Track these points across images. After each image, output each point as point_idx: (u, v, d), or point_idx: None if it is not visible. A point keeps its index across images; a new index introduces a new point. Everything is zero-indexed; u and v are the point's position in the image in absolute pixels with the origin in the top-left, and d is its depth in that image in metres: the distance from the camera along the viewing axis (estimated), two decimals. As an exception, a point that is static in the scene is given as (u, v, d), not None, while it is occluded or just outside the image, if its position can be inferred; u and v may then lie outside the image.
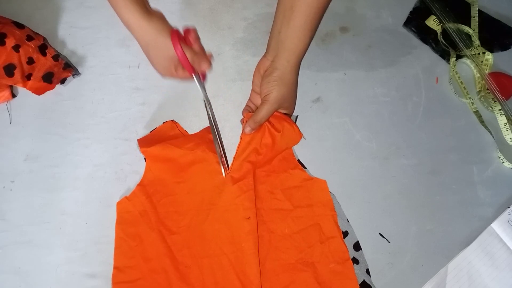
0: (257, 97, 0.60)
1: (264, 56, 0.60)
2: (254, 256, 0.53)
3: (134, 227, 0.55)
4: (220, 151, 0.59)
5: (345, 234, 0.56)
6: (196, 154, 0.58)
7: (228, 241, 0.55)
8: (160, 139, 0.60)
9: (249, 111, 0.61)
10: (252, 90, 0.62)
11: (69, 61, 0.64)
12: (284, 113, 0.60)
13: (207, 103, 0.59)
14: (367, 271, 0.55)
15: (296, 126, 0.61)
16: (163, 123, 0.62)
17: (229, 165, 0.59)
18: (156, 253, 0.53)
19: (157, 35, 0.54)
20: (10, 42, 0.58)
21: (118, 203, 0.56)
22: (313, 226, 0.56)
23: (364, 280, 0.54)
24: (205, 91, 0.59)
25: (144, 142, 0.59)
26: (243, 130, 0.58)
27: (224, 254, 0.54)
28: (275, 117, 0.59)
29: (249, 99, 0.63)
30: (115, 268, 0.53)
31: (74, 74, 0.64)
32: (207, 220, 0.56)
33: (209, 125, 0.60)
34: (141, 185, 0.57)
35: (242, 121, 0.61)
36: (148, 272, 0.53)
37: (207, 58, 0.59)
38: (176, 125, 0.62)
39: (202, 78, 0.60)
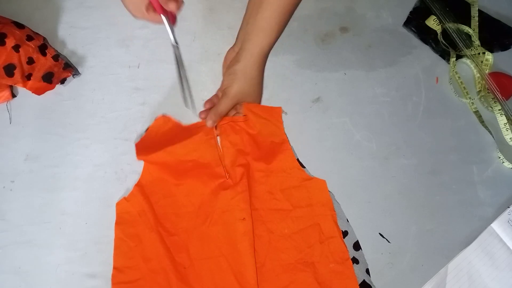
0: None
1: (232, 46, 0.59)
2: (250, 257, 0.53)
3: (133, 227, 0.55)
4: (187, 91, 0.60)
5: (345, 233, 0.56)
6: (195, 162, 0.58)
7: (226, 243, 0.55)
8: (156, 138, 0.60)
9: (215, 102, 0.61)
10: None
11: (69, 61, 0.64)
12: None
13: (176, 48, 0.58)
14: (367, 271, 0.55)
15: (274, 112, 0.61)
16: (155, 119, 0.61)
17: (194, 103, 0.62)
18: (155, 254, 0.53)
19: None
20: (10, 42, 0.58)
21: (117, 204, 0.56)
22: (312, 226, 0.56)
23: (364, 280, 0.54)
24: (174, 34, 0.58)
25: (142, 146, 0.59)
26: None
27: (222, 255, 0.54)
28: (251, 112, 0.59)
29: (220, 87, 0.63)
30: (114, 268, 0.53)
31: (74, 74, 0.64)
32: (206, 223, 0.56)
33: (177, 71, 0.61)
34: (139, 185, 0.57)
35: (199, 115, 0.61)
36: (147, 272, 0.53)
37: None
38: (168, 118, 0.62)
39: (172, 20, 0.58)
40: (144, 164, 0.58)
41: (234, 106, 0.60)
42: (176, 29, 0.68)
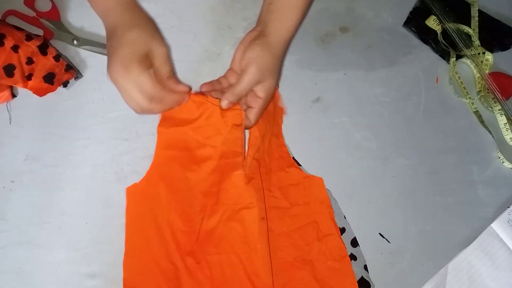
0: (234, 76, 0.55)
1: (253, 29, 0.56)
2: (267, 257, 0.52)
3: (145, 221, 0.54)
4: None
5: (342, 230, 0.56)
6: (214, 149, 0.56)
7: (241, 241, 0.53)
8: (185, 117, 0.56)
9: (216, 89, 0.55)
10: (230, 68, 0.58)
11: (71, 62, 0.64)
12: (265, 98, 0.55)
13: None
14: (365, 267, 0.55)
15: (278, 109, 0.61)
16: (194, 93, 0.56)
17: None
18: (165, 248, 0.53)
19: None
20: (9, 43, 0.58)
21: (128, 191, 0.55)
22: (310, 224, 0.56)
23: (362, 276, 0.54)
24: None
25: (167, 118, 0.57)
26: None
27: (234, 252, 0.53)
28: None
29: (223, 76, 0.57)
30: (125, 263, 0.52)
31: (76, 77, 0.63)
32: (220, 218, 0.54)
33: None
34: (149, 176, 0.55)
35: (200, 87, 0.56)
36: (157, 267, 0.52)
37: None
38: (207, 98, 0.55)
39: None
40: (155, 152, 0.56)
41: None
42: (176, 29, 0.68)
